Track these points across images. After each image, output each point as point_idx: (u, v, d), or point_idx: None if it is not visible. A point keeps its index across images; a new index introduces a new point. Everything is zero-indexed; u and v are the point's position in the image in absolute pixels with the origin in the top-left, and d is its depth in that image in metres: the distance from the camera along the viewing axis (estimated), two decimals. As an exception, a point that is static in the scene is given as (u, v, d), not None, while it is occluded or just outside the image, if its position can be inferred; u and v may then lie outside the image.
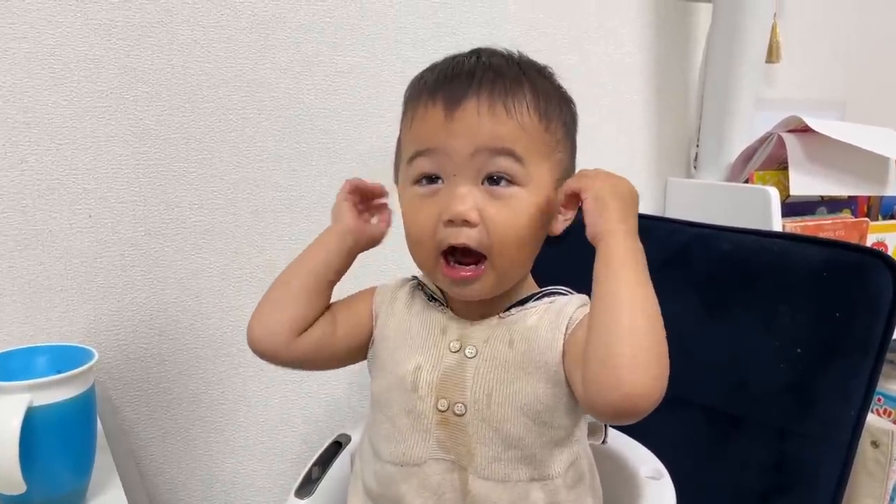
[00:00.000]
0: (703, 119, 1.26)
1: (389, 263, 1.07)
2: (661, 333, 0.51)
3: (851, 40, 1.48)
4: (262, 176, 0.96)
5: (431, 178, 0.57)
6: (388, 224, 0.67)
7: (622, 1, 1.21)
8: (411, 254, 0.61)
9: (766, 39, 1.21)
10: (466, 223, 0.55)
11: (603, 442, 0.70)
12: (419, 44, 1.03)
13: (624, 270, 0.51)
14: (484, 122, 0.55)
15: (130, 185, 0.88)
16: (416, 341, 0.61)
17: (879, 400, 1.24)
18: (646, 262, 0.53)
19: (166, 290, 0.92)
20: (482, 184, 0.56)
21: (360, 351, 0.66)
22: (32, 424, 0.59)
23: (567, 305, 0.59)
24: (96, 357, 0.66)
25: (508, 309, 0.60)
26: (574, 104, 0.63)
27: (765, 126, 1.19)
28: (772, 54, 1.28)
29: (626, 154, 1.26)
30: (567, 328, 0.57)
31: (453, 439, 0.58)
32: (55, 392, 0.62)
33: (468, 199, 0.55)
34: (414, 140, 0.58)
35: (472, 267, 0.57)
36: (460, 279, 0.57)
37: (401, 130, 0.62)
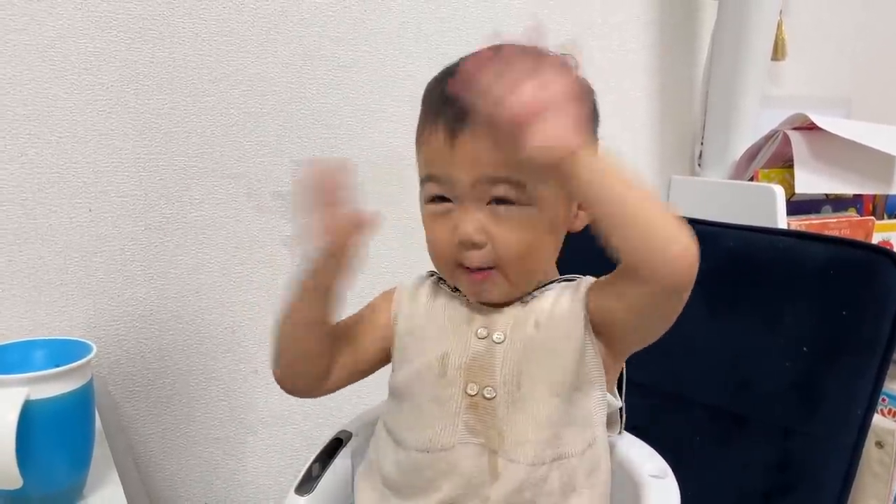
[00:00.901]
0: (708, 116, 1.25)
1: (397, 262, 1.07)
2: (662, 205, 0.53)
3: (857, 37, 1.48)
4: (263, 172, 0.95)
5: (442, 198, 0.59)
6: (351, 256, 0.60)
7: (627, -3, 1.20)
8: (433, 263, 0.63)
9: (771, 36, 1.20)
10: (475, 246, 0.57)
11: (619, 432, 0.70)
12: (422, 38, 1.03)
13: (612, 185, 0.52)
14: (483, 149, 0.55)
15: (131, 179, 0.88)
16: (442, 331, 0.62)
17: (884, 400, 1.23)
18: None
19: (166, 285, 0.92)
20: (489, 203, 0.57)
21: (383, 357, 0.67)
22: (30, 418, 0.59)
23: (584, 280, 0.62)
24: (94, 351, 0.66)
25: (530, 293, 0.62)
26: (594, 94, 0.63)
27: (770, 123, 1.18)
28: (777, 51, 1.28)
29: (629, 151, 1.25)
30: (586, 295, 0.59)
31: (483, 423, 0.58)
32: (53, 386, 0.61)
33: (473, 222, 0.57)
34: (423, 162, 0.60)
35: (485, 272, 0.59)
36: (477, 282, 0.59)
37: (416, 135, 0.63)
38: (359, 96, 1.00)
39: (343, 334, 0.65)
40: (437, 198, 0.59)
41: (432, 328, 0.63)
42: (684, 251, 0.51)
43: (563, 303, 0.60)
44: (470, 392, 0.59)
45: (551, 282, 0.63)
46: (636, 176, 0.52)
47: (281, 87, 0.95)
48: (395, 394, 0.64)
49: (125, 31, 0.85)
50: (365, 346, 0.65)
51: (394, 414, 0.63)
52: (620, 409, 0.66)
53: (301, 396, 0.66)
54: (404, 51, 1.02)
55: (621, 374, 0.65)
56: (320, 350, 0.62)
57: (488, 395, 0.58)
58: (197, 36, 0.89)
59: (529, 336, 0.59)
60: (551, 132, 0.49)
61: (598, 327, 0.60)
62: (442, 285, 0.65)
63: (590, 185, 0.51)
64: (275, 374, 0.64)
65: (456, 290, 0.64)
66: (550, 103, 0.49)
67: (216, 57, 0.90)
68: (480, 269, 0.58)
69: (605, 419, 0.63)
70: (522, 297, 0.61)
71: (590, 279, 0.62)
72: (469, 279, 0.59)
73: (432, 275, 0.68)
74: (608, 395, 0.62)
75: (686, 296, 0.54)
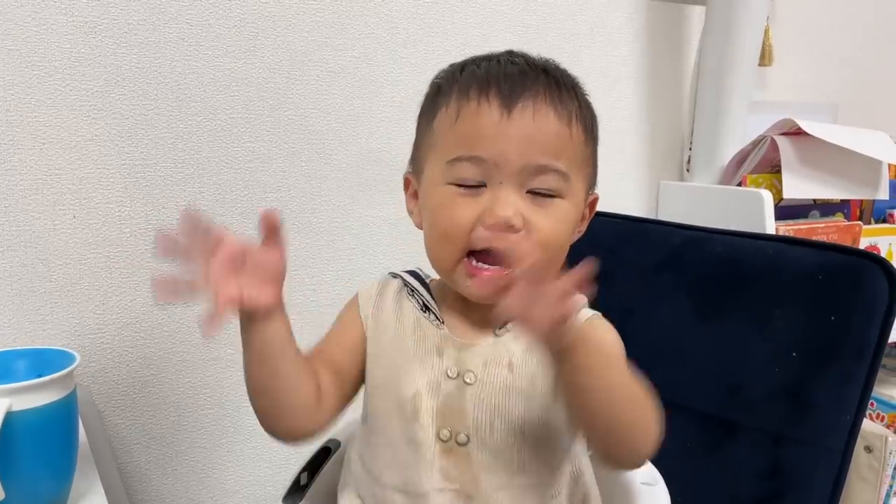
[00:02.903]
0: (696, 122, 1.26)
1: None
2: (643, 401, 0.52)
3: (844, 43, 1.49)
4: (250, 177, 0.94)
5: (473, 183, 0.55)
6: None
7: (615, 4, 1.21)
8: (431, 250, 0.59)
9: (758, 43, 1.21)
10: (511, 229, 0.53)
11: None
12: (411, 43, 1.02)
13: (595, 375, 0.50)
14: (539, 126, 0.54)
15: (116, 185, 0.87)
16: (412, 363, 0.58)
17: (872, 405, 1.24)
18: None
19: (151, 292, 0.91)
20: (526, 193, 0.55)
21: (363, 376, 0.64)
22: (11, 430, 0.58)
23: None
24: (77, 360, 0.64)
25: (504, 326, 0.59)
26: (595, 119, 0.62)
27: (758, 129, 1.19)
28: (764, 57, 1.28)
29: (619, 157, 1.25)
30: None
31: (458, 468, 0.56)
32: (35, 396, 0.60)
33: (514, 205, 0.54)
34: (461, 141, 0.55)
35: (496, 268, 0.55)
36: (485, 280, 0.55)
37: (436, 120, 0.58)
38: (347, 101, 0.99)
39: (321, 358, 0.60)
40: (467, 181, 0.55)
41: (401, 356, 0.59)
42: (653, 445, 0.52)
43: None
44: (443, 438, 0.56)
45: None
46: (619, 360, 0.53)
47: (268, 92, 0.94)
48: (370, 424, 0.61)
49: (110, 36, 0.84)
50: (347, 370, 0.61)
51: (370, 447, 0.61)
52: None
53: (299, 439, 0.59)
54: (393, 56, 1.01)
55: None
56: (296, 376, 0.56)
57: (461, 441, 0.56)
58: (182, 41, 0.88)
59: (503, 378, 0.56)
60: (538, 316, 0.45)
61: None
62: (410, 298, 0.62)
63: (580, 344, 0.48)
64: (265, 425, 0.58)
65: (426, 308, 0.60)
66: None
67: (202, 62, 0.90)
68: (495, 268, 0.54)
69: (585, 448, 0.61)
70: (496, 329, 0.58)
71: (584, 312, 0.59)
72: (478, 273, 0.55)
73: (395, 276, 0.64)
74: None
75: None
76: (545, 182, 0.55)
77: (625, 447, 0.52)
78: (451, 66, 0.60)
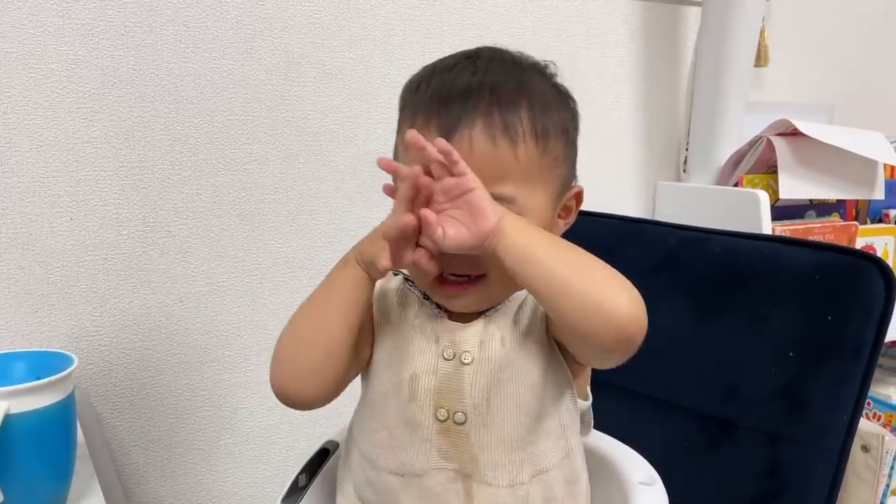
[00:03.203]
0: (693, 123, 1.26)
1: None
2: (602, 270, 0.52)
3: (839, 44, 1.49)
4: (248, 179, 0.95)
5: None
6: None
7: (612, 5, 1.21)
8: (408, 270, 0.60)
9: (754, 43, 1.21)
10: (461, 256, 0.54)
11: (589, 432, 0.69)
12: (408, 45, 1.02)
13: (538, 256, 0.51)
14: (476, 156, 0.53)
15: (113, 187, 0.87)
16: (410, 348, 0.60)
17: (869, 404, 1.24)
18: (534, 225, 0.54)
19: (149, 294, 0.91)
20: None
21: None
22: (9, 432, 0.58)
23: None
24: (75, 363, 0.64)
25: (494, 307, 0.60)
26: (574, 102, 0.62)
27: (754, 129, 1.19)
28: (760, 58, 1.29)
29: (615, 158, 1.25)
30: (543, 319, 0.58)
31: (456, 448, 0.57)
32: (33, 399, 0.60)
33: None
34: (410, 164, 0.56)
35: (465, 279, 0.57)
36: (452, 291, 0.57)
37: (397, 137, 0.61)
38: (344, 103, 0.99)
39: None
40: None
41: (402, 341, 0.60)
42: (628, 318, 0.50)
43: (524, 317, 0.59)
44: (440, 417, 0.57)
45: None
46: (565, 243, 0.52)
47: (266, 93, 0.94)
48: (368, 410, 0.62)
49: (107, 39, 0.84)
50: (363, 341, 0.61)
51: (367, 432, 0.62)
52: (589, 407, 0.65)
53: (305, 405, 0.59)
54: (390, 57, 1.02)
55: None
56: (347, 364, 0.57)
57: (458, 420, 0.57)
58: (179, 42, 0.88)
59: (497, 354, 0.58)
60: (451, 232, 0.49)
61: (560, 346, 0.59)
62: (411, 288, 0.63)
63: (514, 262, 0.50)
64: (286, 384, 0.58)
65: (426, 297, 0.62)
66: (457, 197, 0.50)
67: (200, 64, 0.90)
68: (462, 280, 0.56)
69: (578, 425, 0.62)
70: (487, 310, 0.60)
71: None
72: (449, 292, 0.57)
73: (396, 274, 0.65)
74: (579, 399, 0.61)
75: (637, 345, 0.52)
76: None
77: (593, 314, 0.50)
78: (413, 77, 0.60)
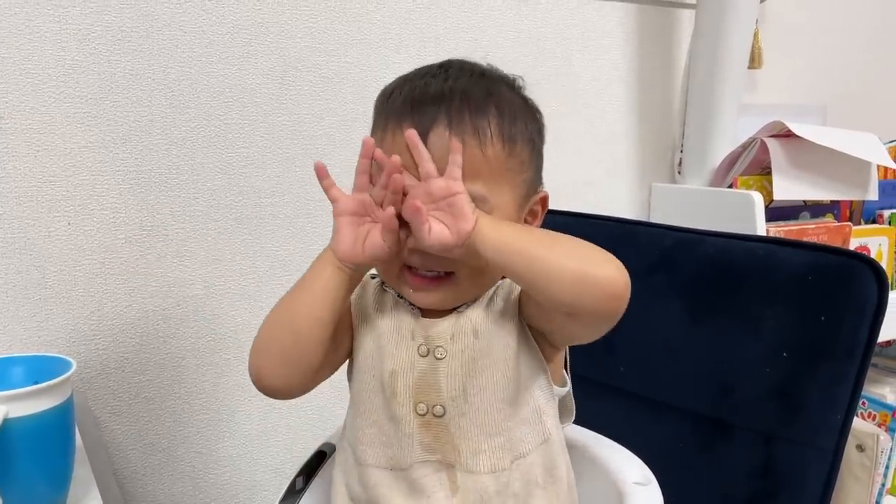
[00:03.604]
0: (687, 125, 1.26)
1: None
2: (579, 245, 0.54)
3: (832, 46, 1.50)
4: (245, 182, 0.95)
5: None
6: (391, 243, 0.57)
7: (606, 8, 1.21)
8: (377, 269, 0.62)
9: (748, 46, 1.22)
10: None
11: (573, 419, 0.70)
12: (403, 48, 1.03)
13: (518, 245, 0.54)
14: (448, 155, 0.55)
15: (110, 191, 0.87)
16: (388, 346, 0.61)
17: (864, 403, 1.25)
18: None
19: (147, 298, 0.91)
20: None
21: (347, 353, 0.66)
22: (8, 437, 0.58)
23: (512, 284, 0.62)
24: (73, 367, 0.65)
25: (468, 304, 0.62)
26: (541, 115, 0.64)
27: (748, 131, 1.19)
28: (754, 60, 1.29)
29: (610, 160, 1.26)
30: (516, 303, 0.60)
31: (438, 440, 0.59)
32: (31, 403, 0.60)
33: None
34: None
35: (434, 274, 0.59)
36: (421, 285, 0.59)
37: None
38: (340, 106, 1.00)
39: None
40: None
41: (380, 340, 0.62)
42: (620, 282, 0.53)
43: (495, 307, 0.61)
44: (420, 412, 0.59)
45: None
46: (540, 230, 0.54)
47: (262, 97, 0.95)
48: (355, 408, 0.64)
49: (104, 44, 0.85)
50: (340, 338, 0.63)
51: (356, 429, 0.63)
52: (569, 392, 0.66)
53: (278, 392, 0.60)
54: (385, 61, 1.02)
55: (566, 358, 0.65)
56: (322, 353, 0.59)
57: (437, 413, 0.59)
58: (176, 47, 0.89)
59: (470, 347, 0.59)
60: (436, 229, 0.53)
61: (534, 330, 0.61)
62: (387, 289, 0.64)
63: (495, 256, 0.54)
64: (260, 368, 0.59)
65: (400, 295, 0.63)
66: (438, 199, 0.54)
67: (196, 68, 0.90)
68: (431, 274, 0.58)
69: (555, 411, 0.63)
70: (458, 306, 0.61)
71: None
72: (416, 284, 0.59)
73: (374, 277, 0.66)
74: (555, 386, 0.62)
75: (625, 308, 0.54)
76: None
77: (586, 287, 0.53)
78: (386, 87, 0.63)
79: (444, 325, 0.60)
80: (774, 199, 1.13)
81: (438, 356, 0.59)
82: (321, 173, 0.60)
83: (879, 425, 1.21)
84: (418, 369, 0.60)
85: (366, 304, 0.64)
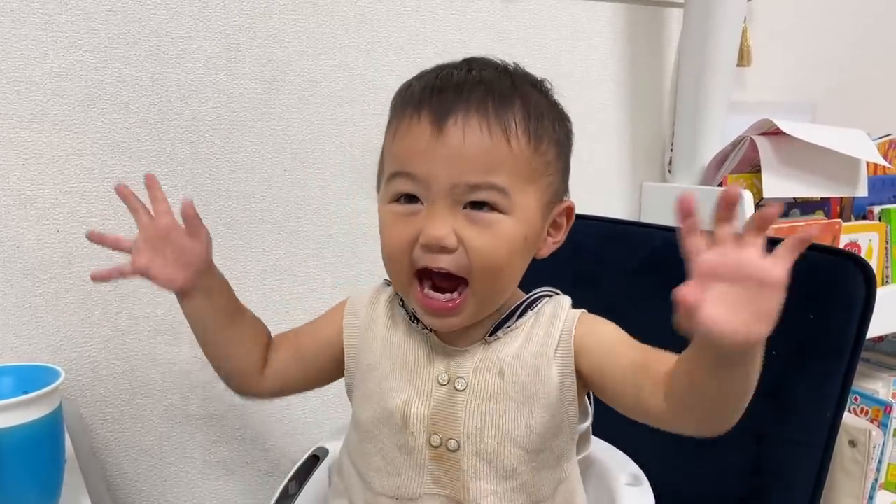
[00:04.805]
0: (677, 123, 1.27)
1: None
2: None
3: (821, 43, 1.50)
4: (235, 187, 0.95)
5: (410, 198, 0.55)
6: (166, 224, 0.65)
7: (594, 7, 1.22)
8: (386, 270, 0.59)
9: (736, 44, 1.22)
10: (444, 249, 0.53)
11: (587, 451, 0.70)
12: (392, 52, 1.03)
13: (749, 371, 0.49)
14: (470, 144, 0.52)
15: (99, 199, 0.87)
16: (402, 372, 0.59)
17: (856, 399, 1.25)
18: None
19: (137, 304, 0.91)
20: (464, 208, 0.54)
21: (335, 369, 0.65)
22: (-3, 447, 0.58)
23: (554, 322, 0.58)
24: (62, 377, 0.64)
25: (494, 332, 0.58)
26: (570, 122, 0.61)
27: (737, 129, 1.20)
28: (743, 58, 1.30)
29: (600, 159, 1.26)
30: (557, 347, 0.57)
31: (448, 474, 0.57)
32: (20, 414, 0.60)
33: (446, 224, 0.53)
34: (396, 158, 0.56)
35: (449, 296, 0.55)
36: (435, 310, 0.55)
37: (385, 139, 0.59)
38: (329, 110, 1.00)
39: (287, 339, 0.66)
40: (405, 197, 0.55)
41: (393, 366, 0.59)
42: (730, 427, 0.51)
43: (532, 345, 0.57)
44: (433, 444, 0.57)
45: (516, 309, 0.59)
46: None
47: (251, 102, 0.94)
48: (360, 431, 0.61)
49: (91, 51, 0.84)
50: (311, 357, 0.65)
51: (361, 454, 0.61)
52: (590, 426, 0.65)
53: (243, 395, 0.68)
54: (374, 64, 1.02)
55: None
56: (230, 345, 0.64)
57: (451, 448, 0.56)
58: (163, 53, 0.88)
59: (493, 385, 0.56)
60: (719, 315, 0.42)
61: (587, 379, 0.56)
62: (400, 309, 0.62)
63: (742, 359, 0.48)
64: (219, 376, 0.67)
65: (415, 319, 0.60)
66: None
67: (184, 74, 0.90)
68: (446, 290, 0.54)
69: (574, 451, 0.61)
70: (485, 333, 0.58)
71: (573, 312, 0.58)
72: (430, 304, 0.55)
73: (389, 284, 0.64)
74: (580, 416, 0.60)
75: None
76: (481, 195, 0.53)
77: (733, 416, 0.53)
78: (405, 82, 0.60)
79: (469, 356, 0.57)
80: (764, 196, 1.13)
81: (459, 387, 0.56)
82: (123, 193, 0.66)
83: (872, 421, 1.22)
84: (435, 399, 0.57)
85: (376, 328, 0.61)
